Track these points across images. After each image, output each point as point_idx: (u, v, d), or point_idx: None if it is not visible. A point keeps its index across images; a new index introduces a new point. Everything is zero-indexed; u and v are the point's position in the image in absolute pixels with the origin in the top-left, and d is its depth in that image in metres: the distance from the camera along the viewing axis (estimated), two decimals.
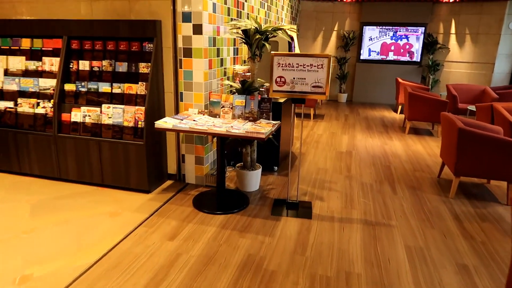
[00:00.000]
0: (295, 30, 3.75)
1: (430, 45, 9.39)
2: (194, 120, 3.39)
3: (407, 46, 9.63)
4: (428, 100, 6.31)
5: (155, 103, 3.67)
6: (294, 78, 3.19)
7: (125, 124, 3.64)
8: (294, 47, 4.77)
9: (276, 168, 4.49)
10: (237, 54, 4.65)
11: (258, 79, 3.93)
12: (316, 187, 4.06)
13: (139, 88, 3.62)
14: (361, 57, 9.94)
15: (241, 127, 3.19)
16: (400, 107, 8.55)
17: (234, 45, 4.51)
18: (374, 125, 7.26)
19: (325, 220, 3.30)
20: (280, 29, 3.47)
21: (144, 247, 2.80)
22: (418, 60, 9.63)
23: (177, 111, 3.85)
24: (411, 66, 9.65)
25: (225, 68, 4.25)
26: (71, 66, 3.83)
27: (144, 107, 3.57)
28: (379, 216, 3.43)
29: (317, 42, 10.28)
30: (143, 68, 3.62)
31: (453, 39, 9.38)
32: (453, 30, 9.33)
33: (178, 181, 4.10)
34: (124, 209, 3.41)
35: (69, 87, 3.82)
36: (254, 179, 3.87)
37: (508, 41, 8.85)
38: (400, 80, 8.36)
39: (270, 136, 3.18)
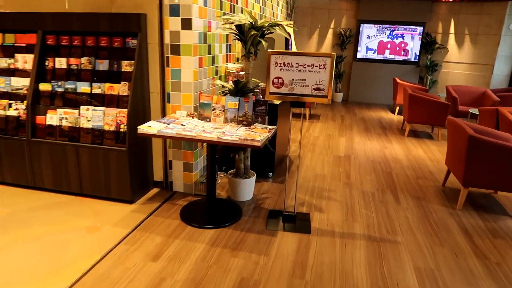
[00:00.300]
0: (293, 26, 3.44)
1: (428, 44, 9.16)
2: (182, 125, 3.07)
3: (403, 45, 9.39)
4: (428, 102, 6.05)
5: (139, 105, 3.34)
6: (293, 79, 2.89)
7: (106, 128, 3.30)
8: (291, 44, 4.47)
9: (271, 174, 4.19)
10: (230, 52, 4.33)
11: (253, 79, 3.62)
12: (314, 196, 3.77)
13: (121, 89, 3.28)
14: (358, 56, 9.67)
15: (234, 133, 2.88)
16: (397, 108, 8.31)
17: (227, 41, 4.19)
18: (372, 127, 6.99)
19: (325, 235, 3.01)
20: (278, 24, 3.16)
21: (123, 269, 2.48)
22: (416, 59, 9.40)
23: (164, 114, 3.53)
24: (408, 66, 9.41)
25: (217, 67, 3.93)
26: (46, 64, 3.48)
27: (126, 110, 3.24)
28: (383, 230, 3.15)
29: (312, 39, 9.98)
30: (126, 66, 3.28)
31: (452, 39, 9.15)
32: (452, 30, 9.11)
33: (165, 189, 3.78)
34: (104, 222, 3.08)
35: (44, 87, 3.47)
36: (248, 188, 3.57)
37: (508, 43, 8.65)
38: (398, 80, 8.11)
39: (266, 143, 2.90)
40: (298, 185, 4.03)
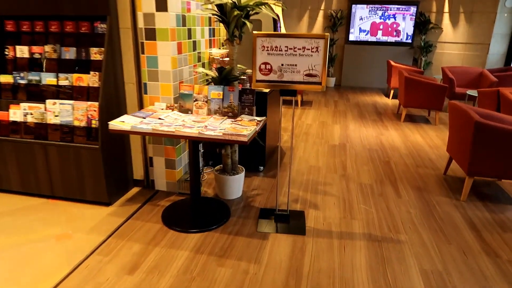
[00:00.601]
0: (281, 5, 3.10)
1: (422, 25, 8.83)
2: (159, 118, 2.75)
3: (395, 25, 9.05)
4: (425, 85, 5.77)
5: (112, 97, 3.00)
6: (282, 65, 2.57)
7: (76, 123, 2.97)
8: (280, 27, 4.13)
9: (262, 168, 3.90)
10: (214, 36, 3.97)
11: (239, 65, 3.29)
12: (308, 190, 3.50)
13: (91, 79, 2.93)
14: (351, 38, 9.32)
15: (217, 127, 2.57)
16: (392, 91, 8.02)
17: (210, 25, 3.83)
18: (367, 113, 6.71)
19: (321, 236, 2.75)
20: (264, 3, 2.82)
21: (94, 285, 2.19)
22: (408, 40, 9.08)
23: (141, 106, 3.19)
24: (402, 47, 9.10)
25: (199, 53, 3.58)
26: (6, 53, 3.11)
27: (98, 103, 2.90)
28: (385, 228, 2.89)
29: (302, 22, 9.59)
30: (96, 54, 2.93)
31: (446, 18, 8.83)
32: (446, 8, 8.78)
33: (146, 188, 3.47)
34: (76, 229, 2.78)
35: (5, 79, 3.10)
36: (236, 185, 3.28)
37: (504, 20, 8.36)
38: (392, 63, 7.80)
39: (255, 136, 2.60)
40: (291, 179, 3.75)
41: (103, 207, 3.11)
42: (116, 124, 2.57)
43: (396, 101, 7.79)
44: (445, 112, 6.92)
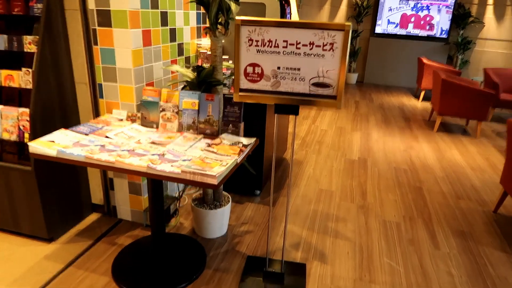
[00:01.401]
0: None
1: (460, 18, 7.74)
2: (107, 137, 1.98)
3: (428, 18, 8.00)
4: (467, 91, 4.80)
5: (52, 102, 2.24)
6: (278, 68, 1.74)
7: (5, 136, 2.23)
8: (290, 13, 3.27)
9: (258, 192, 3.10)
10: (204, 23, 3.16)
11: (226, 63, 2.48)
12: (315, 229, 2.68)
13: (23, 78, 2.17)
14: (377, 30, 8.32)
15: (181, 155, 1.78)
16: (423, 93, 7.03)
17: (198, 9, 3.01)
18: (393, 117, 5.79)
19: None
20: None
21: None
22: (442, 35, 8.02)
23: (96, 114, 2.43)
24: (435, 43, 8.04)
25: (182, 44, 2.78)
26: None
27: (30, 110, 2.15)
28: None
29: (323, 10, 8.63)
30: (30, 44, 2.16)
31: (489, 11, 7.71)
32: (490, 0, 7.65)
33: (107, 215, 2.73)
34: None
35: None
36: (219, 221, 2.49)
37: None
38: (425, 60, 6.80)
39: (243, 161, 1.82)
40: (295, 207, 2.94)
41: (44, 244, 2.39)
42: (40, 146, 1.81)
43: (427, 104, 6.81)
44: (488, 122, 5.91)
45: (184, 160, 1.71)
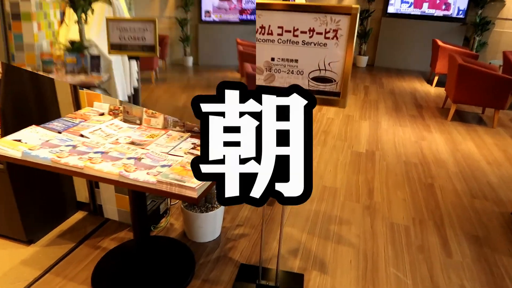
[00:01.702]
0: None
1: None
2: (81, 135, 1.76)
3: None
4: (485, 76, 4.47)
5: (26, 93, 2.02)
6: (273, 60, 1.49)
7: None
8: None
9: None
10: None
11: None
12: (315, 233, 2.47)
13: None
14: (389, 10, 7.88)
15: (160, 160, 1.56)
16: (436, 78, 6.66)
17: None
18: (404, 104, 5.48)
19: None
20: None
21: None
22: (460, 15, 7.56)
23: (78, 107, 2.21)
24: (452, 23, 7.59)
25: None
26: None
27: None
28: None
29: None
30: None
31: None
32: None
33: (93, 214, 2.55)
34: None
35: None
36: (211, 225, 2.29)
37: None
38: (440, 42, 6.41)
39: None
40: (295, 209, 2.72)
41: (22, 247, 2.22)
42: (3, 146, 1.60)
43: (440, 90, 6.46)
44: (506, 110, 5.55)
45: (163, 166, 1.50)
